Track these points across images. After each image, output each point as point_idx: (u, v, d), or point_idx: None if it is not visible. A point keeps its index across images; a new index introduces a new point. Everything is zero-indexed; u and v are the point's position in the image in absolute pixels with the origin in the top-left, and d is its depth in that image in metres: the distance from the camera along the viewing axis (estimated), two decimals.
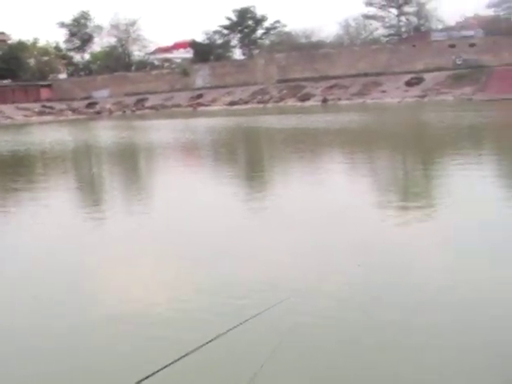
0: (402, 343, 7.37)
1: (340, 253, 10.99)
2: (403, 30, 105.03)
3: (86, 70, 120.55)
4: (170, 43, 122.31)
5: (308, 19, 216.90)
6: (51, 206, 17.44)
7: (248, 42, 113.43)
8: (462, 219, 12.91)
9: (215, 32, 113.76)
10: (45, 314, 9.00)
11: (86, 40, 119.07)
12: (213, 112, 78.24)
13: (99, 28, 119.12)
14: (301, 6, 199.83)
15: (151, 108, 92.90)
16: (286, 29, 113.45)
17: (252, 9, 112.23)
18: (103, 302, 9.32)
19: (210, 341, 6.45)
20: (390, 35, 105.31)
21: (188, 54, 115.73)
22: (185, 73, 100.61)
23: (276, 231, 12.87)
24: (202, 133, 44.48)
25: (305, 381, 6.60)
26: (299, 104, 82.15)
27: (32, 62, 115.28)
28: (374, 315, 8.21)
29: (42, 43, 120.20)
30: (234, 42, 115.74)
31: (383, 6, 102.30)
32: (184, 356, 5.73)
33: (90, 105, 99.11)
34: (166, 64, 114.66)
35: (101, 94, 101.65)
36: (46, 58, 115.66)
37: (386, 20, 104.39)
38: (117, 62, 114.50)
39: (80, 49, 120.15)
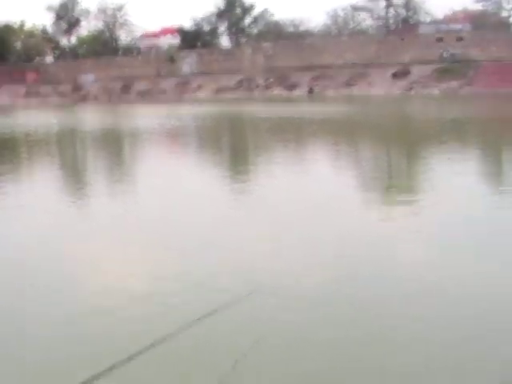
0: (388, 336, 7.36)
1: (324, 244, 11.01)
2: (391, 21, 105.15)
3: (73, 53, 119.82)
4: (157, 29, 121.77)
5: (296, 9, 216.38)
6: (35, 191, 17.41)
7: (236, 31, 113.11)
8: (446, 213, 12.99)
9: (203, 19, 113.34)
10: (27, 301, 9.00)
11: (73, 23, 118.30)
12: (199, 99, 78.14)
13: (86, 12, 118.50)
14: None
15: (137, 94, 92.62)
16: (274, 18, 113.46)
17: None
18: (83, 290, 9.31)
19: (191, 326, 6.48)
20: (378, 27, 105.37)
21: (175, 39, 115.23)
22: (171, 59, 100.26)
23: (260, 222, 12.87)
24: (187, 120, 44.42)
25: (289, 371, 6.60)
26: (285, 93, 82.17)
27: (18, 45, 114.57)
28: (359, 307, 8.20)
29: (28, 26, 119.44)
30: (222, 29, 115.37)
31: None
32: (162, 342, 5.75)
33: (76, 89, 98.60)
34: (153, 50, 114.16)
35: (87, 79, 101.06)
36: (32, 41, 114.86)
37: (375, 11, 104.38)
38: (104, 46, 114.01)
39: (67, 32, 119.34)
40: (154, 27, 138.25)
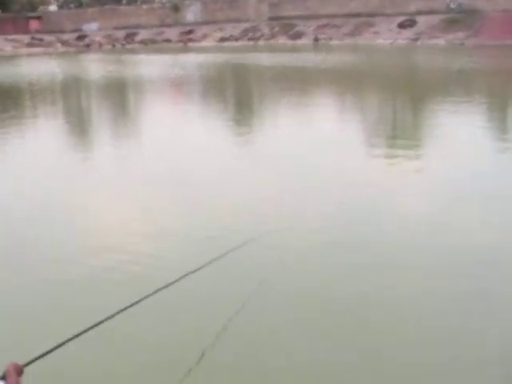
0: (385, 280, 7.58)
1: (326, 192, 11.21)
2: None
3: (77, 2, 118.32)
4: None
5: None
6: (38, 139, 17.54)
7: None
8: (448, 163, 13.15)
9: None
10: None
11: None
12: (203, 48, 77.48)
13: None
14: None
15: (141, 42, 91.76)
16: None
17: None
18: (86, 235, 9.52)
19: (197, 269, 6.68)
20: None
21: None
22: (176, 8, 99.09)
23: (263, 169, 13.05)
24: (191, 69, 44.23)
25: (290, 311, 6.84)
26: (290, 42, 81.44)
27: None
28: (357, 253, 8.43)
29: None
30: None
31: None
32: (171, 284, 5.93)
33: (80, 38, 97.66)
34: None
35: (91, 27, 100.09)
36: None
37: None
38: None
39: None
40: None
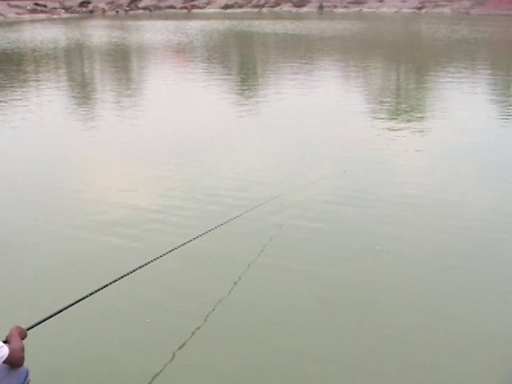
0: (386, 234, 7.82)
1: (328, 160, 11.30)
2: None
3: None
4: None
5: None
6: (41, 104, 17.55)
7: None
8: (451, 133, 13.22)
9: None
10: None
11: None
12: (207, 15, 77.01)
13: None
14: None
15: (145, 9, 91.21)
16: None
17: None
18: (89, 200, 9.62)
19: (210, 230, 6.81)
20: None
21: None
22: None
23: (265, 138, 13.12)
24: (195, 35, 43.99)
25: (301, 267, 6.99)
26: (294, 10, 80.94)
27: None
28: (360, 211, 8.67)
29: None
30: None
31: None
32: (180, 246, 6.04)
33: (83, 4, 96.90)
34: None
35: None
36: None
37: None
38: None
39: None
40: None
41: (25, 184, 10.16)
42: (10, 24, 66.13)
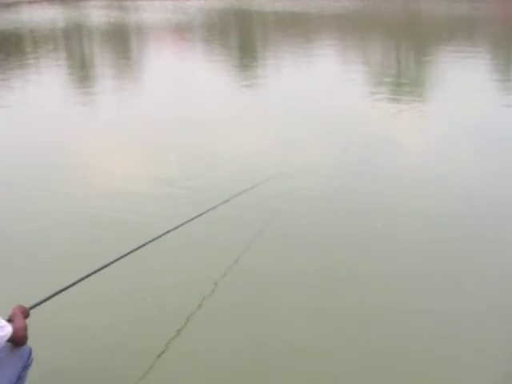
0: (387, 211, 7.89)
1: (329, 138, 11.30)
2: None
3: None
4: None
5: None
6: (39, 85, 17.51)
7: None
8: (452, 110, 13.20)
9: None
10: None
11: None
12: None
13: None
14: None
15: None
16: None
17: None
18: (92, 179, 9.62)
19: (209, 210, 6.83)
20: None
21: None
22: None
23: (265, 117, 13.10)
24: (193, 14, 43.72)
25: (299, 245, 7.02)
26: None
27: None
28: (359, 189, 8.72)
29: None
30: None
31: None
32: (180, 226, 6.07)
33: None
34: None
35: None
36: None
37: None
38: None
39: None
40: None
41: (23, 165, 10.15)
42: (8, 5, 65.62)
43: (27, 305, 4.19)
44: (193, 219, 6.36)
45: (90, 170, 9.84)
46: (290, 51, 23.54)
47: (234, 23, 39.07)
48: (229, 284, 6.10)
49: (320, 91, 15.39)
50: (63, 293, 4.48)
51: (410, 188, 8.64)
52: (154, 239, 5.55)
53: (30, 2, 70.75)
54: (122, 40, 30.48)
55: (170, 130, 12.01)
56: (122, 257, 5.06)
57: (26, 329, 3.95)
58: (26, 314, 4.11)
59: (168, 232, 5.82)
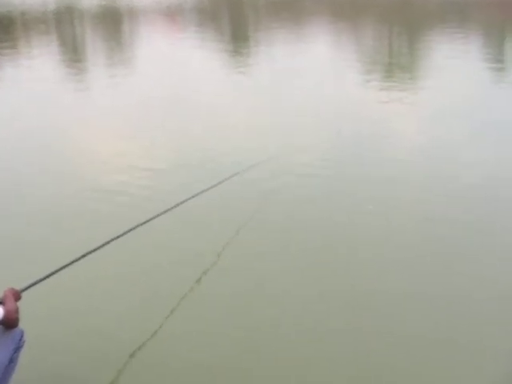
0: (380, 194, 7.85)
1: (321, 121, 11.29)
2: None
3: None
4: None
5: None
6: (31, 67, 17.42)
7: None
8: (444, 94, 13.19)
9: None
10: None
11: None
12: None
13: None
14: None
15: None
16: None
17: None
18: (80, 162, 9.59)
19: (200, 193, 6.80)
20: None
21: None
22: None
23: (257, 101, 13.07)
24: None
25: (292, 228, 7.01)
26: None
27: None
28: (351, 172, 8.70)
29: None
30: None
31: None
32: (171, 209, 6.05)
33: None
34: None
35: None
36: None
37: None
38: None
39: None
40: None
41: (16, 148, 10.11)
42: None
43: (18, 287, 4.18)
44: (184, 202, 6.33)
45: (82, 153, 9.80)
46: (281, 35, 23.46)
47: (225, 6, 38.87)
48: (221, 267, 6.08)
49: (312, 75, 15.34)
50: (55, 275, 4.46)
51: (403, 171, 8.63)
52: (146, 221, 5.54)
53: None
54: (113, 23, 30.33)
55: (161, 112, 11.97)
56: (113, 239, 5.05)
57: (17, 311, 3.94)
58: (17, 296, 4.09)
59: (160, 214, 5.81)
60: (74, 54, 21.05)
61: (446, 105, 12.06)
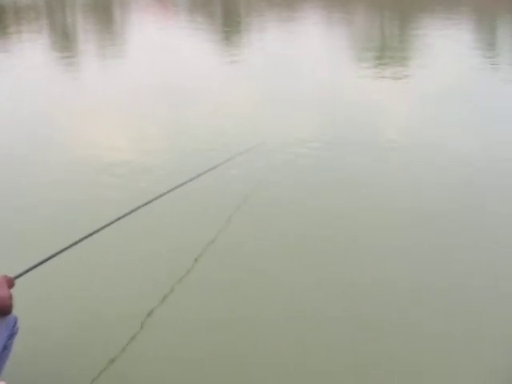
0: (371, 178, 7.85)
1: (312, 107, 11.27)
2: None
3: None
4: None
5: None
6: (23, 55, 17.35)
7: None
8: (436, 79, 13.18)
9: None
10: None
11: None
12: None
13: None
14: None
15: None
16: None
17: None
18: (73, 149, 9.57)
19: (192, 179, 6.77)
20: None
21: None
22: None
23: (248, 87, 13.05)
24: None
25: (283, 214, 6.98)
26: None
27: None
28: (343, 157, 8.65)
29: None
30: None
31: None
32: (163, 194, 6.02)
33: None
34: None
35: None
36: None
37: None
38: None
39: None
40: None
41: (8, 136, 10.07)
42: None
43: (12, 274, 4.15)
44: (175, 189, 6.29)
45: (74, 139, 9.79)
46: (273, 21, 23.41)
47: None
48: (216, 253, 6.06)
49: (304, 61, 15.33)
50: (48, 262, 4.44)
51: (396, 156, 8.62)
52: (137, 208, 5.51)
53: None
54: (104, 10, 30.22)
55: (152, 99, 11.94)
56: (107, 225, 5.03)
57: (10, 298, 3.92)
58: (10, 283, 4.06)
59: (151, 201, 5.77)
60: (65, 41, 20.97)
61: (439, 89, 12.06)
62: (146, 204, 5.67)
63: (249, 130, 9.83)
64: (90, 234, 4.84)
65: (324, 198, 7.30)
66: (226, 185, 7.68)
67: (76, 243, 4.68)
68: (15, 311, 3.92)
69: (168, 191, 6.12)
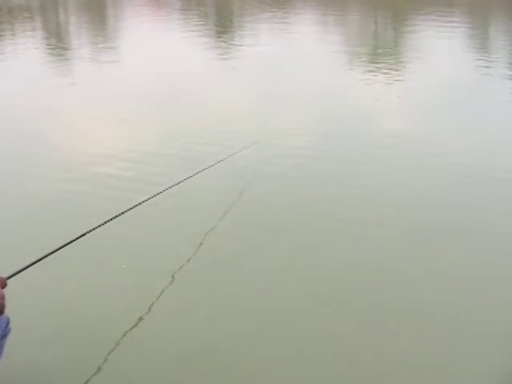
0: (362, 179, 7.85)
1: (306, 106, 11.30)
2: None
3: None
4: None
5: None
6: (16, 54, 17.32)
7: None
8: (429, 78, 13.21)
9: None
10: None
11: None
12: None
13: None
14: None
15: None
16: None
17: None
18: (66, 149, 9.55)
19: (186, 179, 6.78)
20: None
21: None
22: None
23: (241, 86, 13.06)
24: None
25: (277, 211, 7.02)
26: None
27: None
28: (334, 157, 8.68)
29: None
30: None
31: None
32: (157, 194, 6.04)
33: None
34: None
35: None
36: None
37: None
38: None
39: None
40: None
41: (2, 134, 10.08)
42: None
43: (4, 275, 4.16)
44: (169, 188, 6.32)
45: (68, 138, 9.81)
46: (266, 20, 23.39)
47: None
48: (210, 250, 6.09)
49: (297, 60, 15.32)
50: (41, 262, 4.45)
51: (387, 155, 8.65)
52: (132, 207, 5.53)
53: None
54: (97, 7, 30.14)
55: (146, 99, 11.93)
56: (100, 225, 5.04)
57: (3, 298, 3.93)
58: (2, 283, 4.08)
59: (147, 200, 5.79)
60: (58, 40, 20.92)
61: (432, 89, 12.11)
62: (141, 203, 5.69)
63: (242, 130, 9.85)
64: (83, 234, 4.85)
65: (318, 195, 7.32)
66: (222, 183, 7.72)
67: (68, 243, 4.70)
68: (7, 311, 3.93)
69: (163, 190, 6.15)
